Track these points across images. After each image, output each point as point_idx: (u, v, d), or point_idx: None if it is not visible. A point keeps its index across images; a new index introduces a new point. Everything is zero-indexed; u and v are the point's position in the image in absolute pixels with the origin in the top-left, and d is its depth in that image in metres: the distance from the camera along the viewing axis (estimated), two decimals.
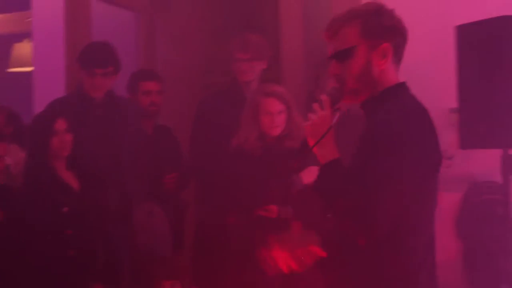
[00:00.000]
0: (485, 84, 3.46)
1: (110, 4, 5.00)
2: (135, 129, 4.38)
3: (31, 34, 5.05)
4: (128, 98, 4.56)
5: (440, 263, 2.28)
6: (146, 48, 5.31)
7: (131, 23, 5.29)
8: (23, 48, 6.44)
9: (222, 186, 4.08)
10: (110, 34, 4.73)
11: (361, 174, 2.08)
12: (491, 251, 4.03)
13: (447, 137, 3.55)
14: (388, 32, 2.24)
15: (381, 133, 2.11)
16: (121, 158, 4.24)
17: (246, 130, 4.00)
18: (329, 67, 2.31)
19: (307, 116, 2.28)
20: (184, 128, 4.73)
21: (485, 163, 3.93)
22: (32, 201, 3.69)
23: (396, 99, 2.22)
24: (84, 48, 4.30)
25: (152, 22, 5.36)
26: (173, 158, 4.56)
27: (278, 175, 3.90)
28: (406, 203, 2.11)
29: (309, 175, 3.89)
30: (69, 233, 3.71)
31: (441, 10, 4.22)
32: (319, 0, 5.08)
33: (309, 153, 2.29)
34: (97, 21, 4.76)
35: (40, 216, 3.64)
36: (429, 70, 3.74)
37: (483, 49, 3.49)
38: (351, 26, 2.25)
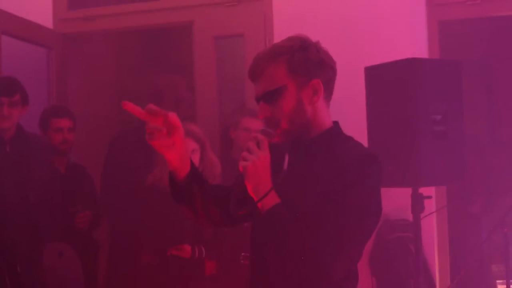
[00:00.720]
0: (392, 124, 3.54)
1: (21, 40, 4.90)
2: (46, 167, 4.29)
3: None
4: (38, 135, 4.47)
5: None
6: (58, 85, 5.22)
7: (42, 60, 5.21)
8: None
9: (135, 224, 4.03)
10: (21, 70, 4.64)
11: (315, 220, 1.95)
12: (404, 287, 4.11)
13: None
14: (316, 67, 2.12)
15: (337, 176, 1.99)
16: (31, 197, 4.13)
17: (161, 167, 3.98)
18: (258, 109, 2.17)
19: (242, 156, 2.08)
20: (97, 165, 4.67)
21: (396, 201, 4.01)
22: None
23: (343, 141, 2.15)
24: None
25: (64, 59, 5.29)
26: (86, 196, 4.48)
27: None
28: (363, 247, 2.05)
29: None
30: None
31: (351, 52, 4.35)
32: (232, 38, 5.13)
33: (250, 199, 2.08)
34: (8, 57, 4.66)
35: None
36: (340, 109, 3.83)
37: (389, 89, 3.57)
38: (276, 65, 2.11)
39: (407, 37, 4.55)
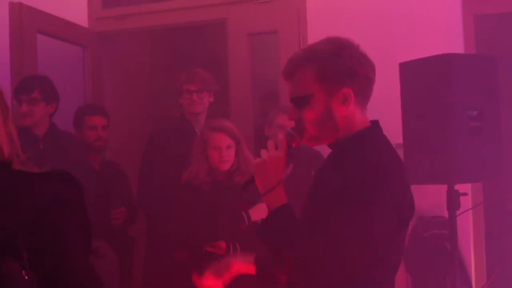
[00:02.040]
0: (427, 120, 3.51)
1: (57, 39, 4.96)
2: (79, 163, 4.33)
3: None
4: (71, 132, 4.51)
5: None
6: (93, 83, 5.27)
7: (78, 58, 5.26)
8: None
9: (171, 221, 4.05)
10: (57, 69, 4.69)
11: (316, 224, 1.92)
12: (440, 284, 4.07)
13: None
14: (347, 76, 2.05)
15: (349, 182, 1.92)
16: None
17: (197, 164, 4.00)
18: (288, 110, 2.17)
19: (260, 153, 2.12)
20: (132, 162, 4.70)
21: (432, 198, 3.97)
22: None
23: (364, 146, 2.04)
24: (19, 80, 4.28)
25: (98, 57, 5.33)
26: (120, 193, 4.51)
27: (227, 211, 3.90)
28: (367, 261, 1.93)
29: (258, 212, 3.91)
30: None
31: (385, 48, 4.32)
32: (266, 35, 5.13)
33: (252, 189, 2.14)
34: (44, 55, 4.72)
35: None
36: (375, 106, 3.81)
37: (424, 85, 3.54)
38: (306, 70, 2.08)
39: (442, 32, 4.51)
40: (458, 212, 3.59)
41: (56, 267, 1.52)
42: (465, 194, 3.61)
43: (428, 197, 4.07)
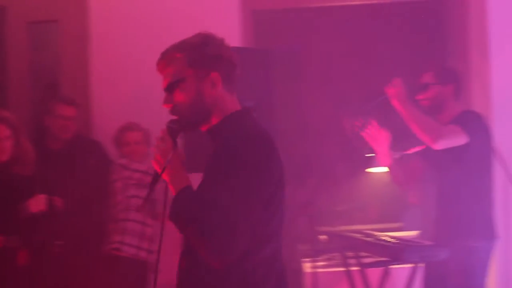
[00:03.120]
0: None
1: None
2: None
3: None
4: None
5: None
6: None
7: None
8: None
9: None
10: None
11: (210, 199, 2.13)
12: None
13: None
14: (214, 61, 2.30)
15: (224, 158, 2.17)
16: None
17: None
18: (163, 99, 2.33)
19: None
20: None
21: None
22: None
23: (235, 126, 2.27)
24: None
25: None
26: None
27: (6, 203, 3.79)
28: (254, 223, 2.16)
29: (37, 203, 3.85)
30: None
31: (167, 44, 4.38)
32: (47, 23, 5.02)
33: (158, 183, 2.33)
34: None
35: None
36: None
37: None
38: (179, 58, 2.30)
39: (220, 26, 4.62)
40: None
41: None
42: None
43: None
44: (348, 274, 4.08)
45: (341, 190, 5.06)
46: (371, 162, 4.32)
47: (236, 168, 2.15)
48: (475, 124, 3.78)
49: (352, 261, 4.07)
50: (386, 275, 3.99)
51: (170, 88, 2.32)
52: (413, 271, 3.75)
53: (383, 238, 3.86)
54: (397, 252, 3.58)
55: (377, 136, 3.92)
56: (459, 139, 3.67)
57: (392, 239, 3.80)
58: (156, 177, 2.31)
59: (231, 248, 2.13)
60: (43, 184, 3.95)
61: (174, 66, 2.31)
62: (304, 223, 4.73)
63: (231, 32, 4.58)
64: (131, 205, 4.18)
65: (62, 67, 4.88)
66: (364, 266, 3.98)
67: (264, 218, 2.21)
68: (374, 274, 4.01)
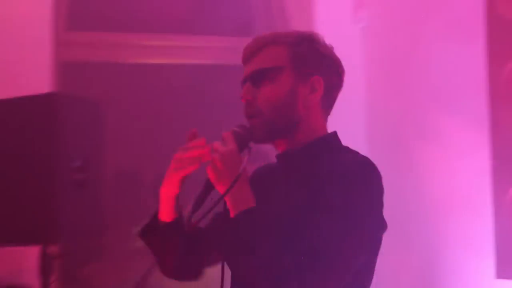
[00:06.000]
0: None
1: None
2: None
3: None
4: None
5: None
6: None
7: None
8: None
9: None
10: None
11: (298, 230, 1.62)
12: None
13: None
14: (322, 62, 1.82)
15: (333, 184, 1.66)
16: None
17: None
18: (242, 91, 1.82)
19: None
20: None
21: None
22: None
23: (341, 151, 1.81)
24: None
25: None
26: None
27: None
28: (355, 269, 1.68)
29: None
30: None
31: None
32: None
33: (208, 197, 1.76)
34: None
35: None
36: None
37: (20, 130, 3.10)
38: (279, 46, 1.81)
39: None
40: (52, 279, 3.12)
41: None
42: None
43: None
44: None
45: None
46: None
47: (348, 197, 1.65)
48: None
49: None
50: None
51: (258, 76, 1.81)
52: None
53: None
54: None
55: None
56: None
57: None
58: (209, 189, 1.77)
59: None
60: None
61: (271, 52, 1.81)
62: None
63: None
64: None
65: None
66: None
67: (369, 264, 1.76)
68: None
